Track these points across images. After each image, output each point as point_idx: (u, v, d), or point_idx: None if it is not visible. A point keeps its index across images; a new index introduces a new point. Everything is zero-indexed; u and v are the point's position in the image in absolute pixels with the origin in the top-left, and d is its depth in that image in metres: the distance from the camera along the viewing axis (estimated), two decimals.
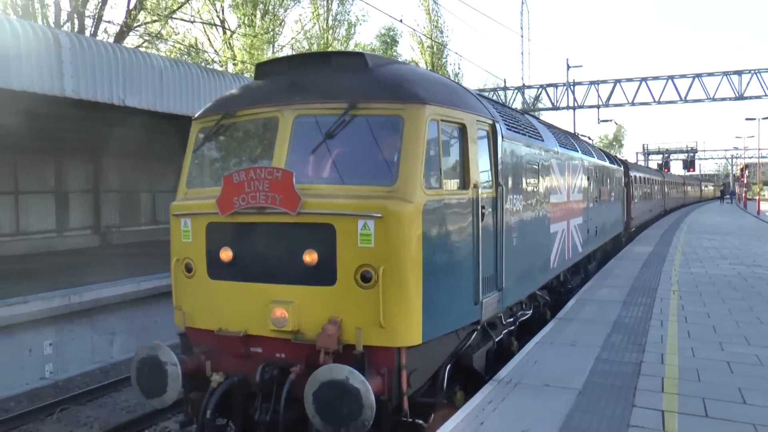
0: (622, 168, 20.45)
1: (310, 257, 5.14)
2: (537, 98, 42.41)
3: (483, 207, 6.13)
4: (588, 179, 13.15)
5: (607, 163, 16.65)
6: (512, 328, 7.85)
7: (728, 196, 77.28)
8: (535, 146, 8.50)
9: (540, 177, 8.74)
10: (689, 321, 8.79)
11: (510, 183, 7.11)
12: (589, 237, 13.22)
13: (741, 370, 6.45)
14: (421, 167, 5.21)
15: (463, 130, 5.96)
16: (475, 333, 6.46)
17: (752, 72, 35.55)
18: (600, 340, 7.71)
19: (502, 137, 6.87)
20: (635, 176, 24.26)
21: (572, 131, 32.06)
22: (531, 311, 8.79)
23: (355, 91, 5.49)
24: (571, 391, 5.85)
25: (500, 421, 5.15)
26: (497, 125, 6.76)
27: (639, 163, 63.99)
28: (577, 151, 12.28)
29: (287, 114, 5.56)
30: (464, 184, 5.92)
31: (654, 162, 78.81)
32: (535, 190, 8.40)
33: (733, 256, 16.90)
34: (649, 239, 22.60)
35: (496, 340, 7.05)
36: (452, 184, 5.82)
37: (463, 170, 5.95)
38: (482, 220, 6.09)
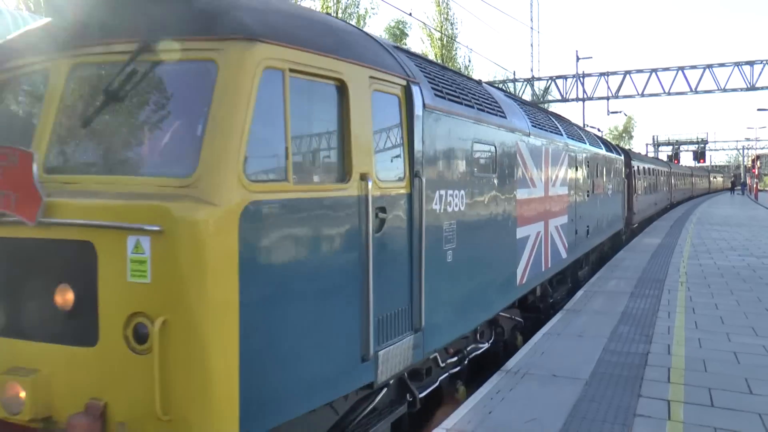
0: (622, 157, 18.82)
1: (63, 298, 3.30)
2: (546, 90, 42.24)
3: (381, 209, 4.33)
4: (577, 170, 11.16)
5: (603, 151, 14.62)
6: (457, 369, 6.21)
7: (739, 188, 76.79)
8: (490, 124, 6.60)
9: (498, 166, 6.83)
10: (697, 312, 8.85)
11: (441, 173, 5.33)
12: (577, 239, 11.25)
13: (748, 361, 6.52)
14: (240, 145, 3.30)
15: (342, 89, 4.06)
16: (381, 395, 4.75)
17: (764, 62, 35.21)
18: (607, 331, 7.79)
19: (424, 106, 4.98)
20: (638, 167, 23.14)
21: (581, 123, 31.98)
22: (490, 341, 7.19)
23: (157, 24, 3.59)
24: (578, 381, 5.93)
25: (508, 410, 5.25)
26: (415, 88, 4.86)
27: (649, 154, 63.70)
28: (561, 135, 10.30)
29: (61, 64, 3.76)
30: (343, 175, 4.05)
31: (664, 153, 78.44)
32: (488, 182, 6.51)
33: (742, 247, 16.88)
34: (658, 231, 22.58)
35: (420, 396, 5.22)
36: (318, 174, 3.97)
37: (341, 153, 4.06)
38: (378, 229, 4.29)
